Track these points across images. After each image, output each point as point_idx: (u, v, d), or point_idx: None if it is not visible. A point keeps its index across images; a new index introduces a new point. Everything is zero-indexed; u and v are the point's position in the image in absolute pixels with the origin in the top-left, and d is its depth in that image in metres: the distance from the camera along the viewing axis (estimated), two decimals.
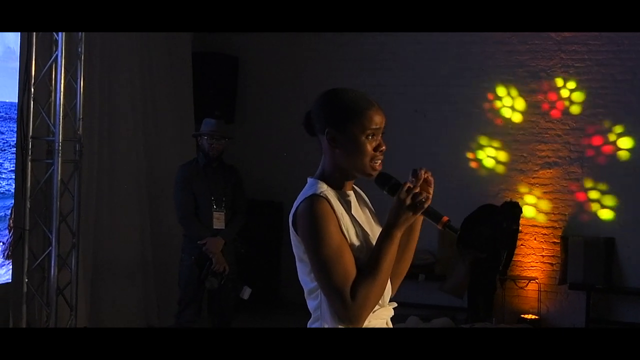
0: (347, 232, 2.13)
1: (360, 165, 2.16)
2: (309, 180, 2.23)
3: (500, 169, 7.92)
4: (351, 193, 2.25)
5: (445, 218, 2.14)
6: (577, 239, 7.48)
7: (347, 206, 2.18)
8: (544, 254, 7.67)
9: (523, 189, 7.83)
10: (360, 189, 2.35)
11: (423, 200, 2.11)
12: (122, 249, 7.05)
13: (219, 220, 5.20)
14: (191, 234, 5.18)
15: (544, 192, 7.79)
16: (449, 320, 6.78)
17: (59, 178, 5.66)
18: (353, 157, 2.16)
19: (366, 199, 2.33)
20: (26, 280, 5.74)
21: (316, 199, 2.11)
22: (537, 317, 7.50)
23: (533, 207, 7.76)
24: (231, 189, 5.32)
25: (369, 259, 2.11)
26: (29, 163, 5.73)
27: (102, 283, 7.03)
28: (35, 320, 5.90)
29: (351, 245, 2.12)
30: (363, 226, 2.20)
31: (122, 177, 7.07)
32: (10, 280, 5.67)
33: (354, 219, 2.17)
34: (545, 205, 7.76)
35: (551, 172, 7.78)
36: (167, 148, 7.44)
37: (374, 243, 2.17)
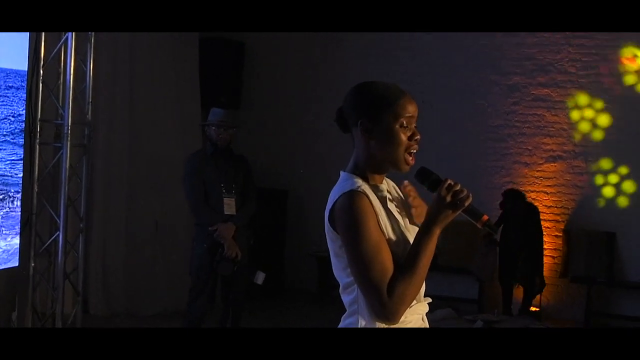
0: (385, 227, 2.12)
1: (395, 155, 2.15)
2: (342, 174, 2.21)
3: (507, 162, 7.95)
4: (384, 186, 2.24)
5: (486, 217, 2.13)
6: (579, 233, 7.52)
7: (383, 200, 2.17)
8: (546, 246, 7.68)
9: (527, 181, 7.86)
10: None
11: (464, 198, 2.10)
12: (130, 237, 7.06)
13: (229, 207, 5.19)
14: (202, 222, 5.17)
15: (548, 186, 7.81)
16: (452, 311, 6.80)
17: (68, 162, 5.62)
18: (388, 146, 2.15)
19: (398, 190, 2.33)
20: (33, 264, 5.72)
21: (355, 194, 2.09)
22: (537, 309, 7.53)
23: (536, 200, 7.78)
24: (241, 176, 5.30)
25: (407, 255, 2.10)
26: (37, 147, 5.69)
27: (111, 269, 7.05)
28: (41, 305, 5.88)
29: (388, 240, 2.11)
30: (400, 219, 2.19)
31: (129, 165, 7.07)
32: (17, 265, 5.64)
33: (390, 213, 2.17)
34: (548, 198, 7.79)
35: (555, 166, 7.80)
36: (173, 135, 7.42)
37: (408, 236, 2.18)
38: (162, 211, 7.16)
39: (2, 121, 5.77)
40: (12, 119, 5.82)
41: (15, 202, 5.65)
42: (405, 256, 2.10)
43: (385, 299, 2.04)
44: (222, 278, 5.17)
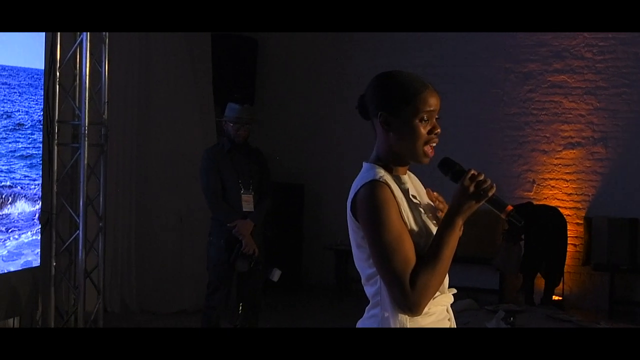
0: (407, 218, 2.10)
1: (413, 149, 2.13)
2: (365, 164, 2.19)
3: (524, 150, 7.89)
4: (406, 177, 2.22)
5: (510, 207, 2.09)
6: (600, 220, 7.45)
7: (405, 191, 2.16)
8: (567, 235, 7.63)
9: (545, 169, 7.80)
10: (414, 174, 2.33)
11: (487, 188, 2.07)
12: (148, 234, 7.11)
13: (247, 203, 5.18)
14: (220, 218, 5.17)
15: (567, 173, 7.75)
16: (473, 302, 6.78)
17: (86, 162, 5.66)
18: (407, 140, 2.13)
19: (418, 182, 2.31)
20: (54, 263, 5.77)
21: (377, 184, 2.07)
22: (560, 298, 7.49)
23: (555, 187, 7.73)
24: (258, 171, 5.30)
25: (430, 246, 2.08)
26: (56, 147, 5.74)
27: (129, 267, 7.10)
28: (63, 303, 5.94)
29: (411, 231, 2.09)
30: (421, 211, 2.17)
31: (145, 162, 7.12)
32: (38, 264, 5.69)
33: (412, 204, 2.15)
34: (568, 185, 7.73)
35: (574, 153, 7.74)
36: (187, 130, 7.44)
37: (431, 227, 2.16)
38: (185, 207, 7.18)
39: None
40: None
41: None
42: (428, 247, 2.09)
43: (408, 290, 2.02)
44: (238, 274, 5.17)
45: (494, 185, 2.08)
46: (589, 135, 7.69)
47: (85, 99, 5.63)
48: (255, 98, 8.50)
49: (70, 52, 5.75)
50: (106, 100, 5.90)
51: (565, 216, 7.44)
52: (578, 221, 7.68)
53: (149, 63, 7.23)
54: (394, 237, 2.04)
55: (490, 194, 2.08)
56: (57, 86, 5.70)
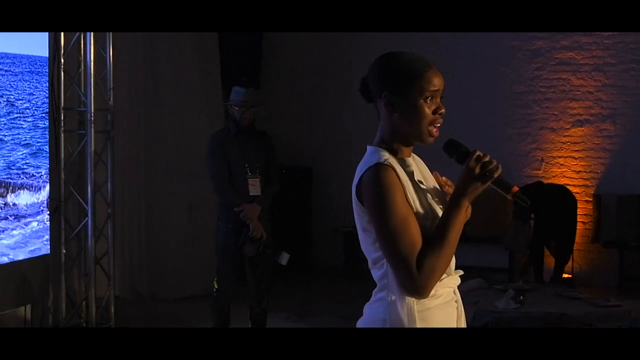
0: (413, 200, 2.09)
1: (419, 129, 2.12)
2: (369, 148, 2.18)
3: (533, 128, 7.86)
4: (411, 160, 2.20)
5: (516, 188, 2.08)
6: (609, 197, 7.42)
7: (410, 173, 2.14)
8: (577, 212, 7.61)
9: (554, 147, 7.77)
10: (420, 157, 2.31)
11: (493, 169, 2.05)
12: (157, 219, 7.12)
13: (254, 187, 5.17)
14: (227, 202, 5.17)
15: (576, 151, 7.72)
16: (482, 281, 6.77)
17: (93, 149, 5.66)
18: (412, 121, 2.11)
19: (424, 164, 2.29)
20: (64, 251, 5.78)
21: (381, 167, 2.06)
22: (570, 275, 7.48)
23: (564, 165, 7.70)
24: (264, 155, 5.28)
25: (436, 228, 2.07)
26: (62, 134, 5.73)
27: (139, 253, 7.11)
28: (74, 290, 5.96)
29: (416, 214, 2.08)
30: (427, 193, 2.16)
31: (151, 148, 7.11)
32: (48, 252, 5.71)
33: (417, 186, 2.13)
34: (577, 163, 7.70)
35: (583, 130, 7.70)
36: (194, 115, 7.42)
37: (437, 209, 2.14)
38: (193, 192, 7.18)
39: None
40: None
41: None
42: (434, 229, 2.08)
43: (414, 272, 2.02)
44: (247, 258, 5.17)
45: (500, 166, 2.07)
46: (598, 112, 7.64)
47: (91, 86, 5.62)
48: (262, 81, 8.47)
49: (74, 39, 5.73)
50: (111, 86, 5.88)
51: (574, 194, 7.42)
52: (587, 199, 7.65)
53: (154, 48, 7.19)
54: (400, 220, 2.03)
55: (495, 175, 2.06)
56: (62, 73, 5.69)
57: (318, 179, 8.53)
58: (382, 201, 2.04)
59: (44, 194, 5.71)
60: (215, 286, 5.22)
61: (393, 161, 2.09)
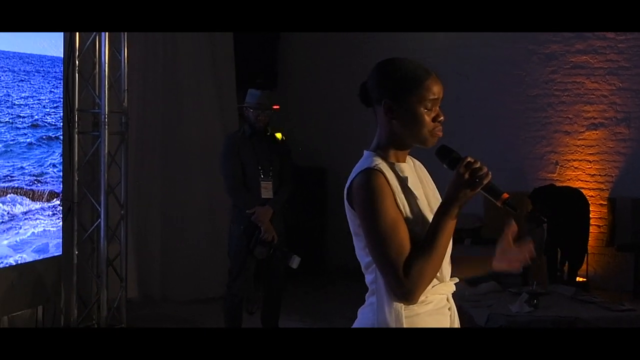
0: (403, 205, 2.09)
1: (418, 136, 2.13)
2: (365, 152, 2.20)
3: (547, 131, 7.82)
4: (407, 165, 2.20)
5: (505, 195, 2.07)
6: (624, 200, 7.38)
7: (404, 178, 2.14)
8: (590, 215, 7.55)
9: (569, 150, 7.73)
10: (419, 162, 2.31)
11: (482, 175, 2.05)
12: (171, 221, 7.13)
13: (266, 190, 5.18)
14: (239, 204, 5.17)
15: (590, 154, 7.68)
16: (496, 284, 6.74)
17: (106, 150, 5.68)
18: (411, 128, 2.12)
19: (424, 169, 2.30)
20: (76, 252, 5.80)
21: (371, 172, 2.08)
22: (584, 279, 7.43)
23: (579, 169, 7.66)
24: (278, 157, 5.29)
25: (426, 234, 2.07)
26: (76, 136, 5.76)
27: (151, 255, 7.12)
28: (86, 292, 5.97)
29: (406, 219, 2.08)
30: (420, 198, 2.15)
31: (166, 150, 7.13)
32: (61, 253, 5.72)
33: (409, 192, 2.13)
34: (591, 166, 7.66)
35: (597, 134, 7.65)
36: (210, 117, 7.43)
37: (428, 216, 2.14)
38: (208, 194, 7.19)
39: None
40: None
41: None
42: (424, 236, 2.07)
43: (402, 277, 2.02)
44: (258, 261, 5.17)
45: (490, 173, 2.06)
46: (612, 116, 7.60)
47: (105, 87, 5.65)
48: (278, 83, 8.47)
49: (89, 40, 5.76)
50: (126, 88, 5.90)
51: (588, 197, 7.37)
52: (602, 202, 7.60)
53: (169, 50, 7.20)
54: (389, 224, 2.04)
55: (485, 181, 2.05)
56: (77, 74, 5.71)
57: (333, 180, 8.52)
58: (371, 205, 2.05)
59: (55, 195, 5.73)
60: (227, 288, 5.23)
61: (384, 166, 2.10)
